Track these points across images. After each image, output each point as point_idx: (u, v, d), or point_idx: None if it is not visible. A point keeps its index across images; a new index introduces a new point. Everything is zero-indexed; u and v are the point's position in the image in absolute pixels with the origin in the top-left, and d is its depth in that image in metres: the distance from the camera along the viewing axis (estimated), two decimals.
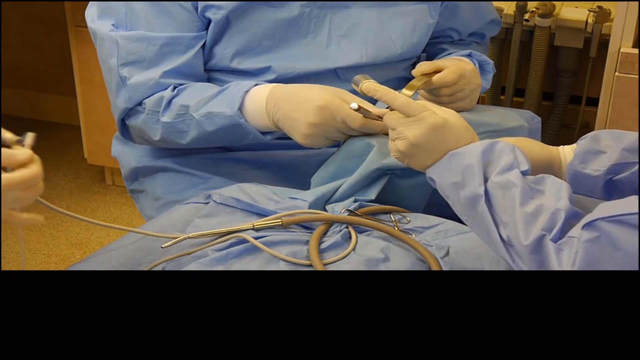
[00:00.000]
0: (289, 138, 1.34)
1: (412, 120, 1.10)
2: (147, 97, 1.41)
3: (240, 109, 1.34)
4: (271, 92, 1.33)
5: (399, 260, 1.13)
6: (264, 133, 1.37)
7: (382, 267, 1.12)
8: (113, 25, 1.42)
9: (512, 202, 0.99)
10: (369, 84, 1.20)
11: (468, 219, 1.06)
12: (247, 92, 1.34)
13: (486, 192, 1.01)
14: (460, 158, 1.05)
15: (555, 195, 1.00)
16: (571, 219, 0.97)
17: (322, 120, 1.28)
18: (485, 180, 1.02)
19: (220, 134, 1.38)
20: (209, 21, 1.42)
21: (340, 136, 1.31)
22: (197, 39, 1.41)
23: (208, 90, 1.38)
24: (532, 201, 0.99)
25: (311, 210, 1.23)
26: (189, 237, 1.17)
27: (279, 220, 1.19)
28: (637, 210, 0.89)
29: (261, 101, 1.34)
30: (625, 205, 0.91)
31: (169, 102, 1.40)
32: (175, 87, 1.41)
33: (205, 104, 1.37)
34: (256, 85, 1.36)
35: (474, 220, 1.04)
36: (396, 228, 1.21)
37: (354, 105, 1.24)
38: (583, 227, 0.93)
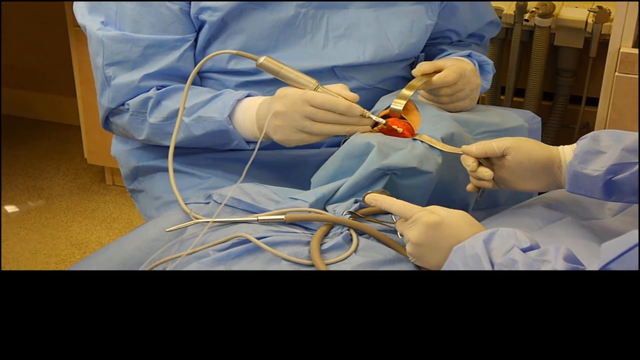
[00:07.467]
0: None
1: (410, 222, 1.11)
2: (130, 99, 1.43)
3: (229, 116, 1.35)
4: (263, 101, 1.35)
5: (400, 262, 1.13)
6: (249, 142, 1.39)
7: (383, 269, 1.12)
8: (102, 22, 1.42)
9: None
10: (370, 196, 1.19)
11: None
12: (239, 100, 1.36)
13: None
14: (464, 250, 1.05)
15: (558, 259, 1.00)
16: None
17: (284, 107, 1.29)
18: (492, 265, 1.03)
19: (206, 138, 1.40)
20: (201, 24, 1.42)
21: (308, 125, 1.29)
22: (182, 42, 1.42)
23: (201, 96, 1.39)
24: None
25: (316, 210, 1.23)
26: (197, 222, 1.20)
27: (282, 216, 1.19)
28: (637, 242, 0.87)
29: (252, 110, 1.35)
30: (626, 239, 0.90)
31: (158, 103, 1.40)
32: (159, 88, 1.42)
33: (197, 110, 1.38)
34: (249, 95, 1.37)
35: None
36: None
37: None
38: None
